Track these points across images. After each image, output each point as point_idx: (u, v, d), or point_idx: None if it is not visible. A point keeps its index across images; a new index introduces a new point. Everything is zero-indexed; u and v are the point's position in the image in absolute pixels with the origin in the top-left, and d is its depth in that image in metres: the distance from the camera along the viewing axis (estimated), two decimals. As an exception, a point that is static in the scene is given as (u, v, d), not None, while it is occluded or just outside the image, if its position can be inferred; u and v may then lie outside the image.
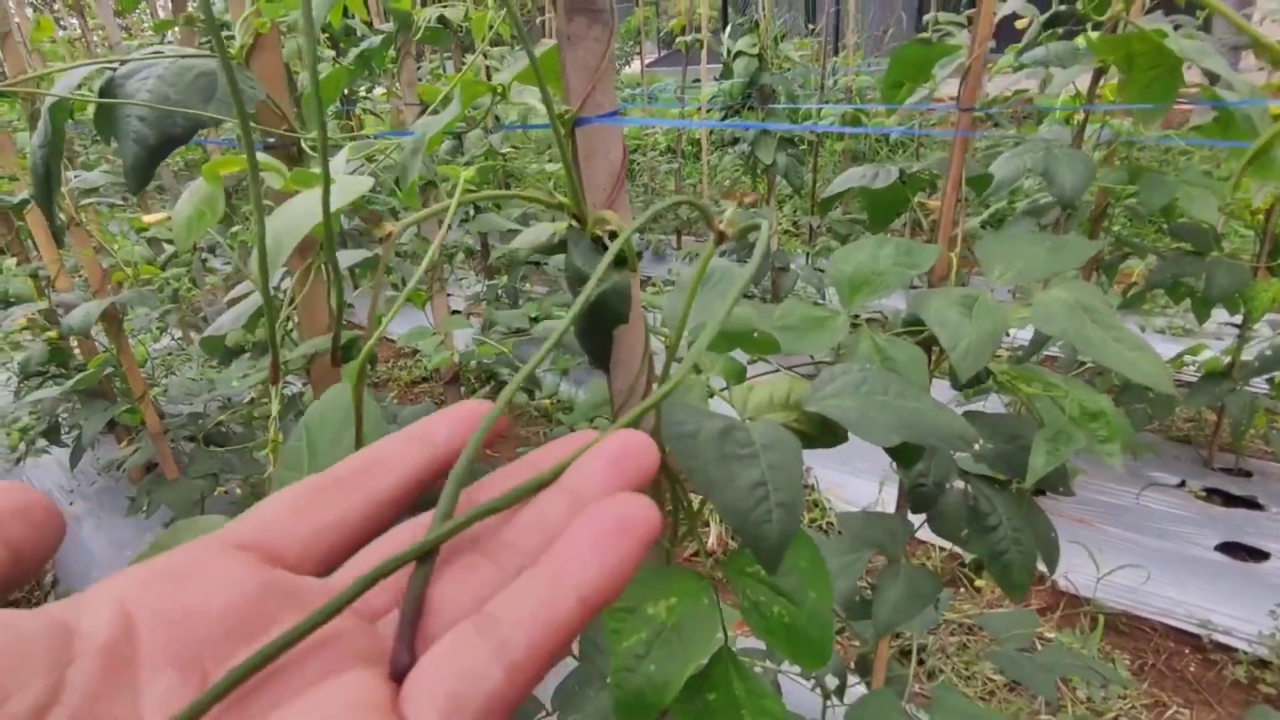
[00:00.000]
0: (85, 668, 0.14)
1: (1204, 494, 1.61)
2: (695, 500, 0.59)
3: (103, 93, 0.47)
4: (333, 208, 0.21)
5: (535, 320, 1.64)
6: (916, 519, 0.71)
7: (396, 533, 0.20)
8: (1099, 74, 1.16)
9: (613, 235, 0.34)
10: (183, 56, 0.49)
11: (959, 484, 0.66)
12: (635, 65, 3.97)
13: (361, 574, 0.18)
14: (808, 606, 0.43)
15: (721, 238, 0.27)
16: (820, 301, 2.63)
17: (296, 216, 0.22)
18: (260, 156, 0.27)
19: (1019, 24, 1.19)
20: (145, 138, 0.45)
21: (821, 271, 2.90)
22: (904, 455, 0.52)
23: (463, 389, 1.57)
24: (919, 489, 0.62)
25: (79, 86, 0.47)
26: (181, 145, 0.47)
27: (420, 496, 0.21)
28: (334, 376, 0.71)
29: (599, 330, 0.34)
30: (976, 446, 0.44)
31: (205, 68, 0.49)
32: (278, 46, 0.55)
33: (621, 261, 0.34)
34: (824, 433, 0.48)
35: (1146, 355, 0.51)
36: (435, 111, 0.83)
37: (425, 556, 0.18)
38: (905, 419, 0.43)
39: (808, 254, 3.05)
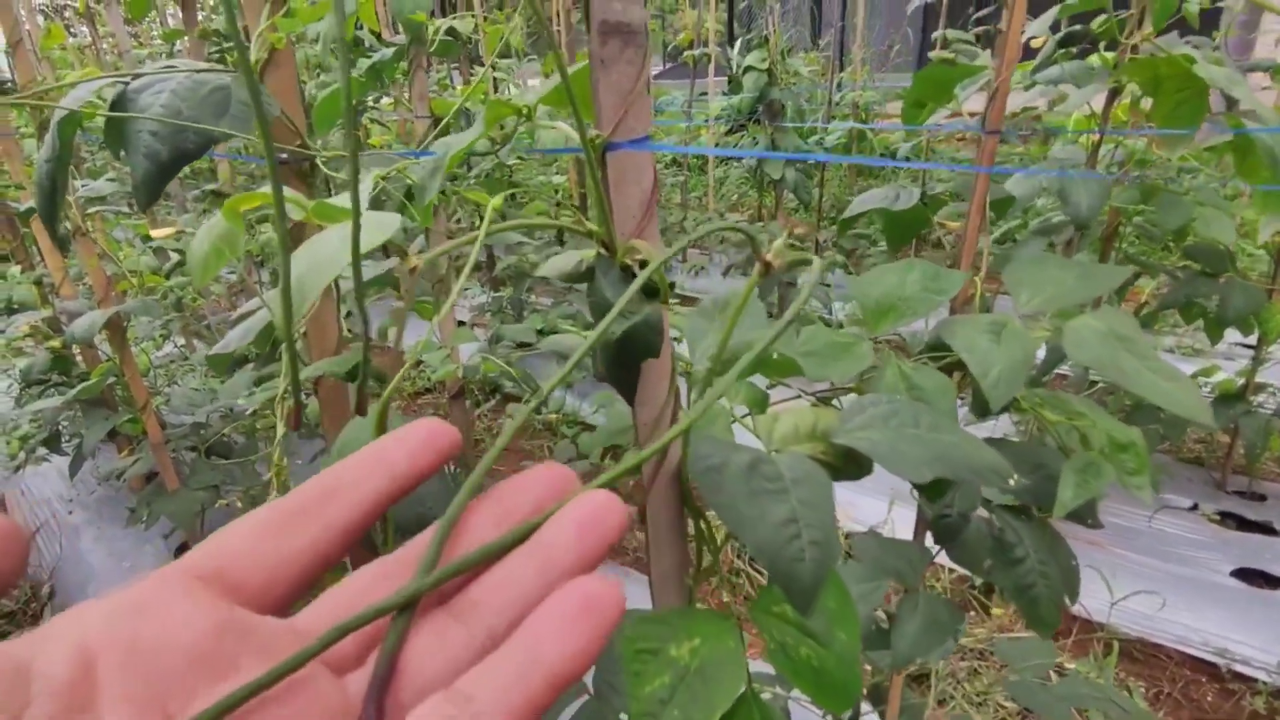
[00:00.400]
0: (43, 709, 0.14)
1: (1217, 518, 1.59)
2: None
3: (115, 106, 0.46)
4: (364, 247, 0.20)
5: (543, 334, 1.63)
6: (933, 544, 0.69)
7: (364, 575, 0.20)
8: (1114, 94, 1.15)
9: (643, 265, 0.32)
10: (197, 71, 0.48)
11: (982, 513, 0.65)
12: (642, 78, 3.98)
13: (325, 614, 0.18)
14: (836, 648, 0.41)
15: (768, 269, 0.25)
16: (827, 317, 2.61)
17: (322, 258, 0.21)
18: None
19: (1034, 43, 1.18)
20: (157, 153, 0.44)
21: (828, 286, 2.89)
22: (932, 488, 0.50)
23: (468, 402, 1.56)
24: (943, 520, 0.61)
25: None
26: (193, 161, 0.46)
27: (377, 520, 0.21)
28: (342, 393, 0.70)
29: (627, 363, 0.32)
30: (1011, 481, 0.43)
31: (219, 83, 0.48)
32: (293, 62, 0.54)
33: (653, 293, 0.32)
34: (850, 464, 0.47)
35: (1183, 386, 0.50)
36: (448, 128, 0.82)
37: (402, 612, 0.18)
38: (938, 453, 0.42)
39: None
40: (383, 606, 0.18)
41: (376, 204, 0.94)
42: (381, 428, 0.27)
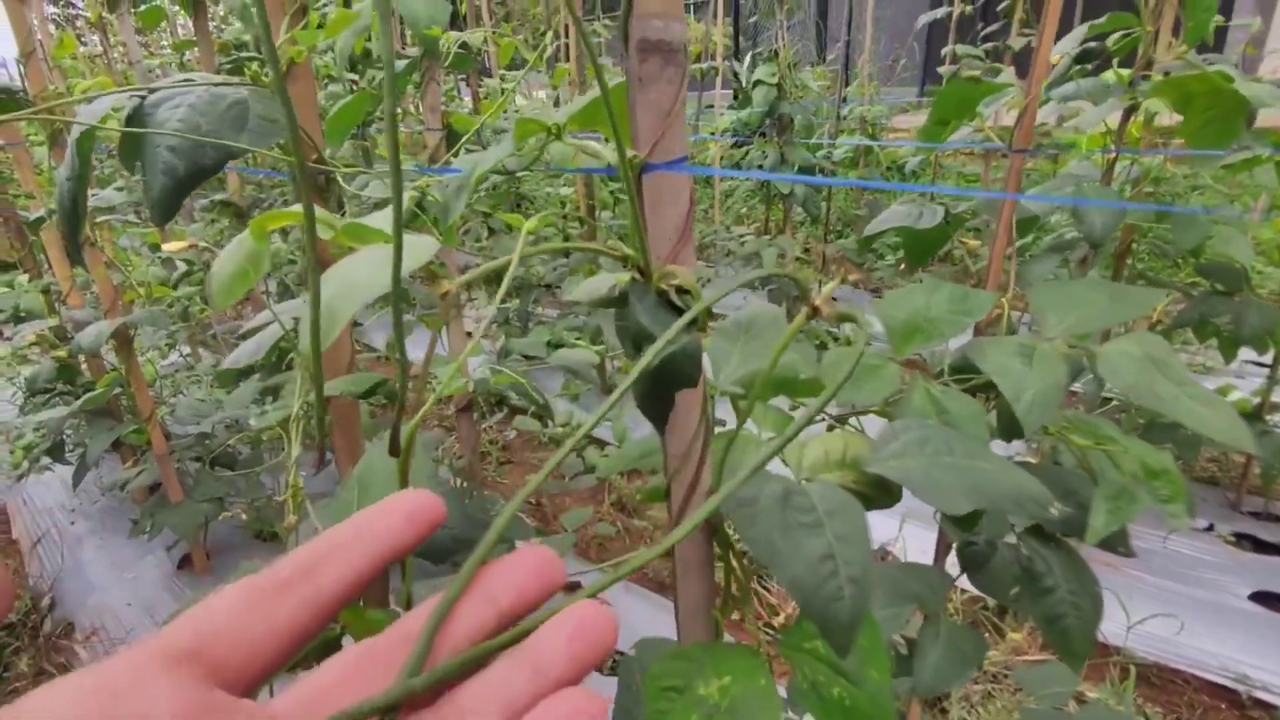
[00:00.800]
0: None
1: (1233, 539, 1.57)
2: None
3: (131, 120, 0.45)
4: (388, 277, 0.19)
5: (550, 346, 1.62)
6: (953, 564, 0.67)
7: (346, 659, 0.20)
8: (1129, 111, 1.14)
9: (679, 290, 0.31)
10: (214, 85, 0.47)
11: (1008, 538, 0.63)
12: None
13: (306, 701, 0.18)
14: (868, 687, 0.39)
15: (815, 313, 0.24)
16: (834, 331, 2.60)
17: (355, 282, 0.20)
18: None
19: (1050, 59, 1.17)
20: (174, 168, 0.43)
21: (835, 300, 2.87)
22: (965, 517, 0.49)
23: (475, 414, 1.54)
24: (970, 547, 0.59)
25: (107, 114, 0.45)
26: (211, 176, 0.45)
27: (362, 594, 0.21)
28: (354, 409, 0.69)
29: (662, 393, 0.31)
30: (1054, 511, 0.42)
31: (237, 96, 0.47)
32: (311, 74, 0.53)
33: (690, 320, 0.31)
34: (881, 493, 0.45)
35: (1222, 411, 0.48)
36: (466, 145, 0.81)
37: (386, 714, 0.18)
38: (975, 482, 0.40)
39: (820, 282, 3.03)
40: (368, 707, 0.17)
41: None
42: (407, 458, 0.26)
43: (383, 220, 0.24)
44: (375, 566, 0.20)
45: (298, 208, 0.23)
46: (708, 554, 0.38)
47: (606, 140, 0.41)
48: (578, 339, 2.08)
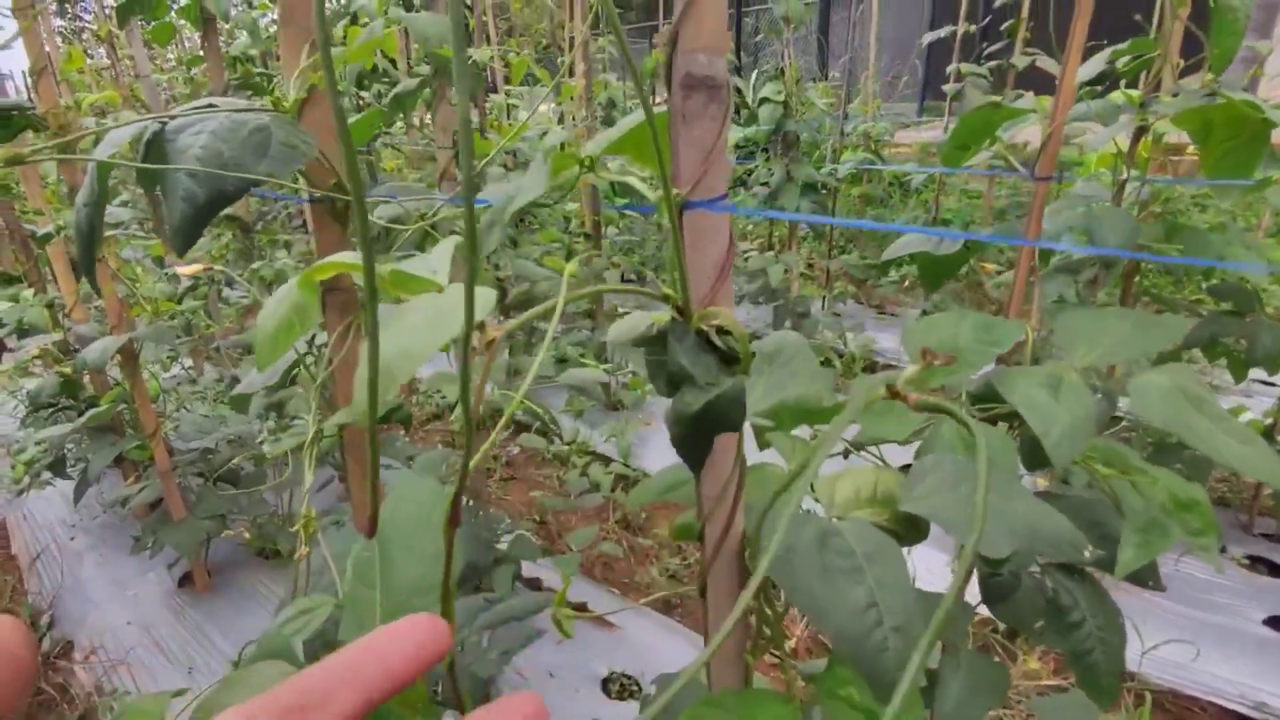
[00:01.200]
0: None
1: (1246, 562, 1.55)
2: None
3: (152, 145, 0.44)
4: (455, 331, 0.18)
5: (558, 363, 1.61)
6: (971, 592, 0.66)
7: None
8: (1139, 133, 1.14)
9: (719, 330, 0.30)
10: (236, 111, 0.46)
11: (1033, 569, 0.62)
12: (653, 106, 4.00)
13: None
14: (904, 733, 0.38)
15: (895, 396, 0.23)
16: (840, 348, 2.59)
17: (414, 338, 0.19)
18: (348, 256, 0.24)
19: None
20: (195, 195, 0.42)
21: (838, 315, 2.88)
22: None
23: (481, 429, 1.53)
24: (994, 578, 0.58)
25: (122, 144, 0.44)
26: (232, 203, 0.45)
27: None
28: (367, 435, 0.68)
29: (702, 440, 0.30)
30: (1087, 554, 0.41)
31: (259, 123, 0.46)
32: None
33: (731, 359, 0.30)
34: (911, 530, 0.44)
35: (1259, 449, 0.47)
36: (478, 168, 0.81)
37: None
38: (1011, 523, 0.39)
39: (824, 298, 3.03)
40: None
41: (390, 245, 0.93)
42: (450, 536, 0.25)
43: (423, 266, 0.23)
44: (387, 694, 0.21)
45: (343, 256, 0.22)
46: (736, 581, 0.37)
47: (636, 171, 0.40)
48: (582, 355, 2.07)
